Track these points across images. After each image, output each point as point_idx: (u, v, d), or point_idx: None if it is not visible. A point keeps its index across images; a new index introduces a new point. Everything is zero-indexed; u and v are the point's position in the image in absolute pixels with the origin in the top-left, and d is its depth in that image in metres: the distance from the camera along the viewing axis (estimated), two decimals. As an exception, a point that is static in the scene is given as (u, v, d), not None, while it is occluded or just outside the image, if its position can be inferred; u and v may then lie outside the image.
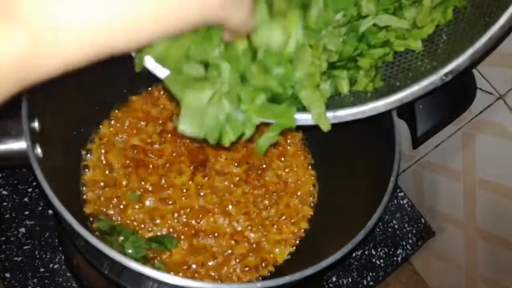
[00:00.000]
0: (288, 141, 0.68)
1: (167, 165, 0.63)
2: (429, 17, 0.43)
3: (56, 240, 0.65)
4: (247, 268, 0.59)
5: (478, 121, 0.64)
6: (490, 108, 0.62)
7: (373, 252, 0.73)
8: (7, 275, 0.62)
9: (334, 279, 0.70)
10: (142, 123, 0.65)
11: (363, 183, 0.55)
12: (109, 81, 0.59)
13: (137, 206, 0.60)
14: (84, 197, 0.60)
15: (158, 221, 0.60)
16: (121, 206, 0.60)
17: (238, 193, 0.63)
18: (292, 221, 0.63)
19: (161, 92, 0.67)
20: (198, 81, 0.34)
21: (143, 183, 0.61)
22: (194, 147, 0.64)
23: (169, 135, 0.65)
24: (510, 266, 0.66)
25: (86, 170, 0.61)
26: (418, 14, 0.43)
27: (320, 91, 0.38)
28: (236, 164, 0.65)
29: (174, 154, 0.64)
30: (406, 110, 0.54)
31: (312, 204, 0.65)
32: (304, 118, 0.39)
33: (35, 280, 0.62)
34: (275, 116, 0.37)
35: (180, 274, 0.57)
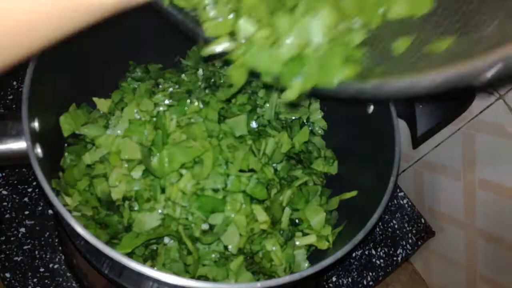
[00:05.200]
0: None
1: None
2: None
3: (56, 240, 0.65)
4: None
5: (478, 121, 0.64)
6: (490, 108, 0.62)
7: (373, 252, 0.73)
8: (7, 275, 0.62)
9: (334, 279, 0.70)
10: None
11: (363, 183, 0.55)
12: (108, 81, 0.59)
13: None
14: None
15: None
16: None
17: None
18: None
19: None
20: None
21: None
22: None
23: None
24: (510, 266, 0.66)
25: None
26: None
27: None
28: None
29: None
30: (406, 110, 0.54)
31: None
32: None
33: (35, 280, 0.62)
34: None
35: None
